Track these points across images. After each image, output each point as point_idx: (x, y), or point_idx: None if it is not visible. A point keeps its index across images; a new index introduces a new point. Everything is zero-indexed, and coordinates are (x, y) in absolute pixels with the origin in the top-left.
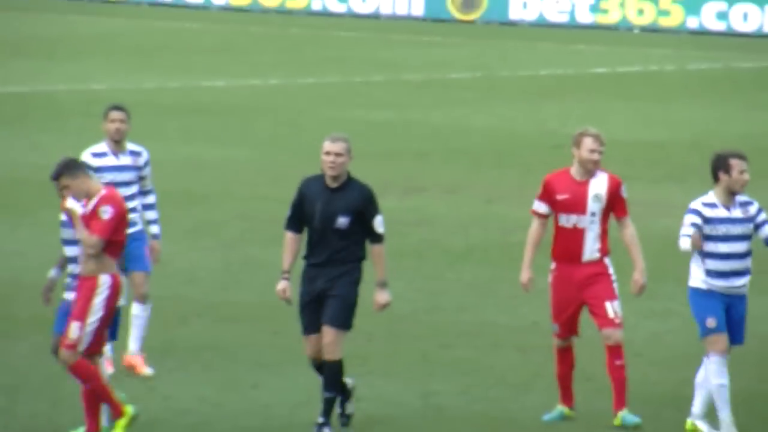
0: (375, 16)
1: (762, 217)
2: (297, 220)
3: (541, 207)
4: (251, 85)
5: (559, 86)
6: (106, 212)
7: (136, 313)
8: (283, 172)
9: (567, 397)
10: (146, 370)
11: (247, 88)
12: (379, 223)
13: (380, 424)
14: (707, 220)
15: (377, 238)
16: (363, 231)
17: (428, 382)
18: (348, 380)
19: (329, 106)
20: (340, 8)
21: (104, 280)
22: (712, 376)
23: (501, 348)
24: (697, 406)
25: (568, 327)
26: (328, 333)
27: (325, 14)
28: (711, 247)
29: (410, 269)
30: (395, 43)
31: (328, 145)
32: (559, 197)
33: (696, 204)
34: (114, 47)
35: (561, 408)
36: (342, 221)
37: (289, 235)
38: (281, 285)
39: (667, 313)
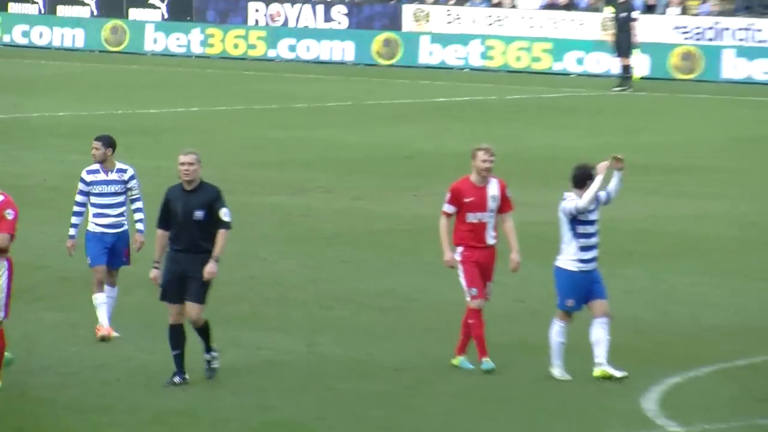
0: (270, 59)
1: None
2: (165, 220)
3: (450, 209)
4: (177, 112)
5: (410, 112)
6: (10, 213)
7: (108, 294)
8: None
9: (484, 350)
10: (115, 334)
11: (174, 114)
12: (224, 214)
13: (276, 366)
14: (579, 210)
15: (223, 225)
16: (214, 222)
17: (312, 335)
18: (187, 376)
19: (237, 127)
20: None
21: (2, 264)
22: (555, 335)
23: (366, 309)
24: (600, 356)
25: (482, 289)
26: (193, 308)
27: (237, 58)
28: (581, 229)
29: (298, 250)
30: (287, 80)
31: (182, 158)
32: (466, 200)
33: (568, 202)
34: (74, 84)
35: (486, 360)
36: (198, 214)
37: (160, 232)
38: (153, 273)
39: (495, 285)
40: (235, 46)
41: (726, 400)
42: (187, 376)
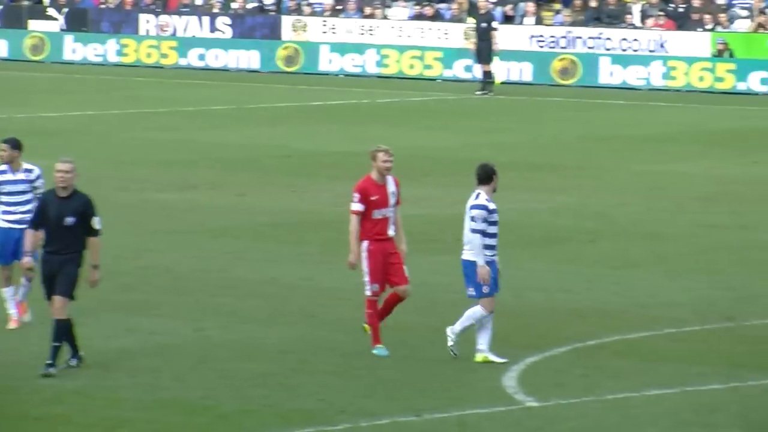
0: (160, 67)
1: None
2: (38, 222)
3: (361, 207)
4: (74, 115)
5: (289, 115)
6: None
7: (24, 284)
8: (96, 175)
9: (378, 338)
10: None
11: (71, 117)
12: (96, 222)
13: (168, 349)
14: (490, 211)
15: (94, 232)
16: (84, 228)
17: (199, 320)
18: (81, 353)
19: (128, 129)
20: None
21: None
22: (473, 317)
23: (251, 296)
24: (483, 343)
25: (383, 284)
26: (58, 300)
27: (126, 66)
28: (490, 229)
29: (187, 242)
30: (175, 85)
31: (59, 166)
32: (373, 198)
33: (482, 201)
34: None
35: (380, 346)
36: (69, 220)
37: (30, 231)
38: (25, 260)
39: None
40: (149, 55)
41: (579, 377)
42: (82, 353)
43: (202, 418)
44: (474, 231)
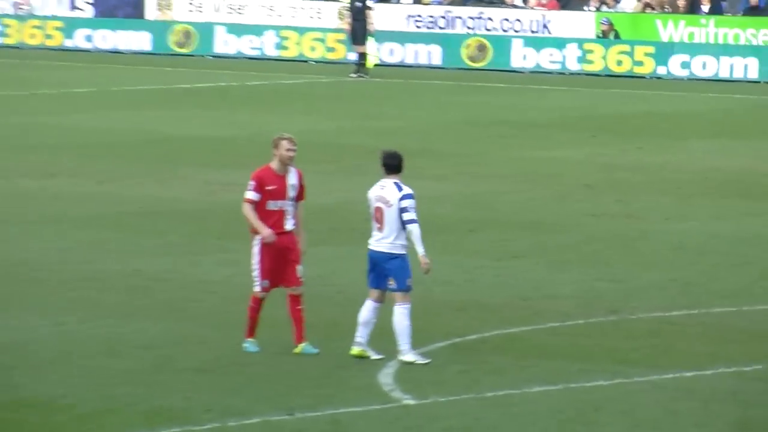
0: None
1: None
2: None
3: (256, 196)
4: None
5: (154, 98)
6: None
7: None
8: None
9: (253, 332)
10: None
11: None
12: None
13: (25, 345)
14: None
15: None
16: None
17: (59, 315)
18: None
19: None
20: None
21: None
22: (406, 318)
23: (114, 289)
24: (363, 337)
25: (274, 281)
26: None
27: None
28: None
29: (46, 233)
30: (34, 67)
31: None
32: (269, 188)
33: (409, 190)
34: None
35: (252, 340)
36: None
37: None
38: None
39: (236, 262)
40: (32, 36)
41: (458, 373)
42: None
43: (61, 416)
44: (412, 221)
